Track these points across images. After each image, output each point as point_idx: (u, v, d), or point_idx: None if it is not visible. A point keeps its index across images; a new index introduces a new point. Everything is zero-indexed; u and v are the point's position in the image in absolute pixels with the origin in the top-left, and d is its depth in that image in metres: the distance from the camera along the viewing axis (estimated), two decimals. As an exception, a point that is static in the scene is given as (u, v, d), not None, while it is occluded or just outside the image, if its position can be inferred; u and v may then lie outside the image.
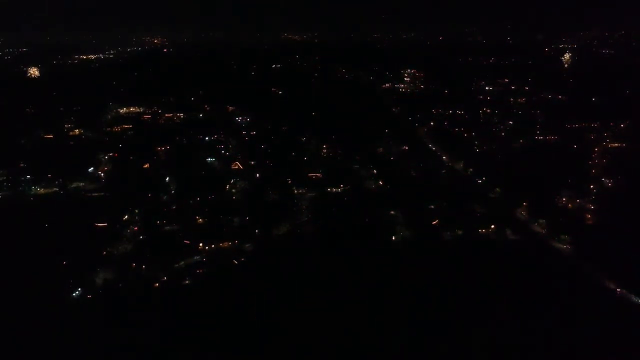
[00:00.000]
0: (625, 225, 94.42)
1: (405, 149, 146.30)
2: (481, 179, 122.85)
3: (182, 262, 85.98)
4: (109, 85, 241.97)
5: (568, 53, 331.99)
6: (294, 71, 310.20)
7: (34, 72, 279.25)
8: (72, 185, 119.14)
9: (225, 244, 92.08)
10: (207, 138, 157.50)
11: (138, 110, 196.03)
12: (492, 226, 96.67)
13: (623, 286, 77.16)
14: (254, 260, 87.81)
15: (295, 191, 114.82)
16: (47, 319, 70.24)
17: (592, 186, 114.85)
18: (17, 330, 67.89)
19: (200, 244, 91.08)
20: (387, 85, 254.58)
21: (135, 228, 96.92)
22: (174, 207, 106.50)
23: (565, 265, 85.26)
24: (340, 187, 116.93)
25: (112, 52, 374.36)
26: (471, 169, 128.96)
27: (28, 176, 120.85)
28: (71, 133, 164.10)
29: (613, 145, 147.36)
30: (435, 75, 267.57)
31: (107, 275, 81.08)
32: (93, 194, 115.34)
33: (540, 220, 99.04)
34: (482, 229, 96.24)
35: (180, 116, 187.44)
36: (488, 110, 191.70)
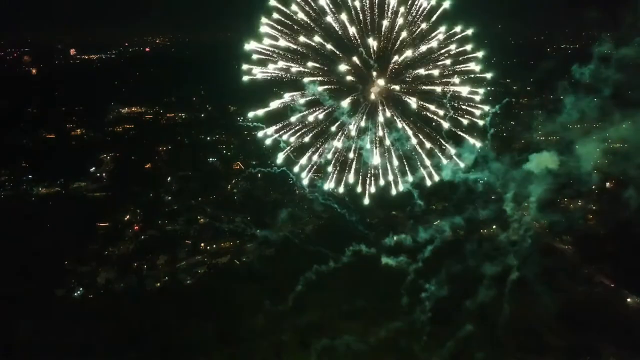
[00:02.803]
0: (627, 226, 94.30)
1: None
2: (482, 179, 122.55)
3: (184, 262, 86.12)
4: (111, 85, 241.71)
5: (569, 53, 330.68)
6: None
7: (35, 71, 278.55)
8: (74, 185, 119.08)
9: (227, 244, 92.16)
10: (208, 138, 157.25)
11: (140, 110, 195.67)
12: (494, 226, 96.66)
13: (625, 286, 77.22)
14: (256, 260, 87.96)
15: (297, 191, 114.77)
16: (48, 318, 70.37)
17: (593, 186, 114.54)
18: (19, 330, 68.03)
19: (202, 244, 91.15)
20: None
21: (137, 228, 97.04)
22: (176, 207, 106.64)
23: (567, 266, 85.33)
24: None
25: (113, 51, 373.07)
26: (472, 169, 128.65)
27: (30, 176, 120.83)
28: (73, 133, 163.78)
29: (615, 145, 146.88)
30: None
31: (108, 275, 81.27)
32: (95, 194, 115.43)
33: (542, 221, 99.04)
34: (483, 230, 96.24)
35: (181, 116, 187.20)
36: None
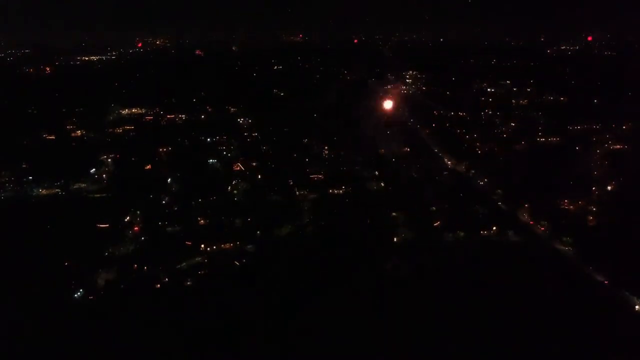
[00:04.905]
0: (628, 227, 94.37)
1: (406, 150, 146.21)
2: (483, 180, 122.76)
3: (184, 263, 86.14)
4: (111, 87, 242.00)
5: (569, 54, 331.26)
6: (295, 72, 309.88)
7: (36, 73, 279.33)
8: (74, 186, 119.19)
9: (227, 245, 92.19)
10: (208, 139, 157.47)
11: (140, 111, 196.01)
12: (494, 228, 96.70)
13: (625, 288, 77.16)
14: (256, 261, 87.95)
15: (297, 192, 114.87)
16: (48, 320, 70.33)
17: (594, 188, 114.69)
18: (19, 331, 67.99)
19: (202, 245, 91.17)
20: (389, 86, 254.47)
21: (137, 229, 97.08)
22: (176, 208, 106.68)
23: (568, 267, 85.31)
24: (342, 189, 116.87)
25: (114, 53, 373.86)
26: (473, 171, 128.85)
27: (30, 177, 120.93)
28: (73, 134, 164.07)
29: (615, 147, 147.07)
30: (436, 77, 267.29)
31: (108, 276, 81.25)
32: (95, 195, 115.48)
33: (542, 222, 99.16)
34: (483, 231, 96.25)
35: (182, 117, 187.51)
36: (490, 112, 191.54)
